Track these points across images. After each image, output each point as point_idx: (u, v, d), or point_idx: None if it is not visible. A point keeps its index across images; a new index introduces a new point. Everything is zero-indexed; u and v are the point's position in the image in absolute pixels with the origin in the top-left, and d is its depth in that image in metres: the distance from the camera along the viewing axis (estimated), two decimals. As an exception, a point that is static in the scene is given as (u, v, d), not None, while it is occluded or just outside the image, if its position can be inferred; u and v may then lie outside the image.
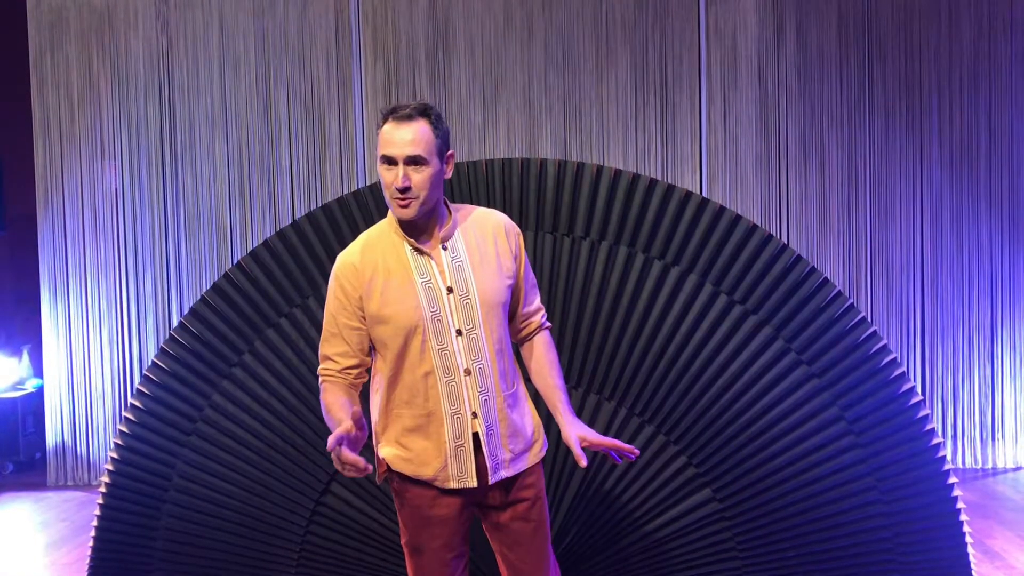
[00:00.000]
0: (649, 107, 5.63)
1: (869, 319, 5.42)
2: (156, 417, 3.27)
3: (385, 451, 2.36)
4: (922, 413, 3.11)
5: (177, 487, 3.26)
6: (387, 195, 2.25)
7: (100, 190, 5.74)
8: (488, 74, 5.66)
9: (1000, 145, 5.58)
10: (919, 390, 5.12)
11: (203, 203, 5.71)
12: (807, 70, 5.60)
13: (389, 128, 2.23)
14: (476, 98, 5.65)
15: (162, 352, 3.28)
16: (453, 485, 2.30)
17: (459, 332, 2.27)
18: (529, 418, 2.41)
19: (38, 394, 5.97)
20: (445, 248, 2.30)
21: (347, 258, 2.34)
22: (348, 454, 2.08)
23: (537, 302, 2.47)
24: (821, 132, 5.62)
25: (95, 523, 3.34)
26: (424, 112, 2.23)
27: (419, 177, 2.21)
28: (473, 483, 2.30)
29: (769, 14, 5.60)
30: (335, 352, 2.33)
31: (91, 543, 3.35)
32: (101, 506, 3.32)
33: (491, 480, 2.31)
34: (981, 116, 5.58)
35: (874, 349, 3.11)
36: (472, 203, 3.21)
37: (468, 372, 2.28)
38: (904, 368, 3.99)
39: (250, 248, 5.57)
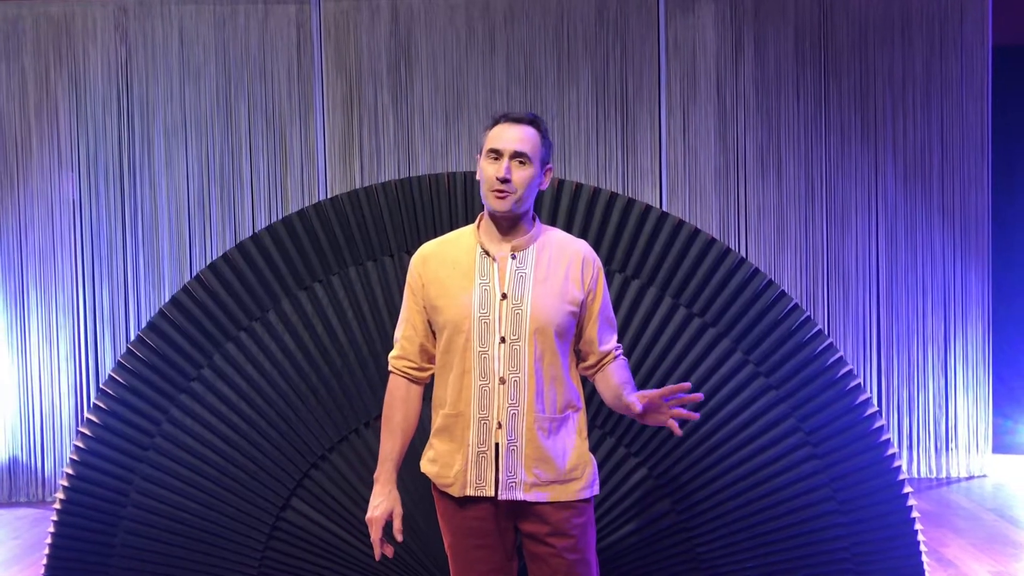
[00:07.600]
0: (610, 121, 5.68)
1: (826, 331, 5.50)
2: (113, 432, 3.23)
3: (424, 455, 2.44)
4: (878, 424, 3.16)
5: (134, 503, 3.22)
6: (484, 189, 2.32)
7: (57, 201, 5.67)
8: (450, 88, 5.68)
9: (952, 159, 5.70)
10: (875, 400, 5.20)
11: (162, 215, 5.66)
12: (765, 85, 5.69)
13: (501, 127, 2.33)
14: (438, 112, 5.66)
15: (119, 366, 3.25)
16: (470, 492, 2.31)
17: (503, 340, 2.30)
18: (572, 453, 2.36)
19: (-9, 409, 5.86)
20: (514, 257, 2.34)
21: (423, 247, 2.45)
22: (376, 540, 2.39)
23: (612, 342, 2.43)
24: (779, 146, 5.71)
25: (49, 540, 3.28)
26: (535, 121, 2.35)
27: (521, 174, 2.29)
28: (491, 492, 2.31)
29: (728, 30, 5.69)
30: (402, 335, 2.44)
31: (44, 561, 3.30)
32: (56, 523, 3.27)
33: (501, 495, 2.31)
34: (933, 131, 5.70)
35: (831, 361, 3.16)
36: (435, 217, 3.22)
37: (503, 381, 2.30)
38: (860, 379, 4.05)
39: (210, 261, 5.52)
